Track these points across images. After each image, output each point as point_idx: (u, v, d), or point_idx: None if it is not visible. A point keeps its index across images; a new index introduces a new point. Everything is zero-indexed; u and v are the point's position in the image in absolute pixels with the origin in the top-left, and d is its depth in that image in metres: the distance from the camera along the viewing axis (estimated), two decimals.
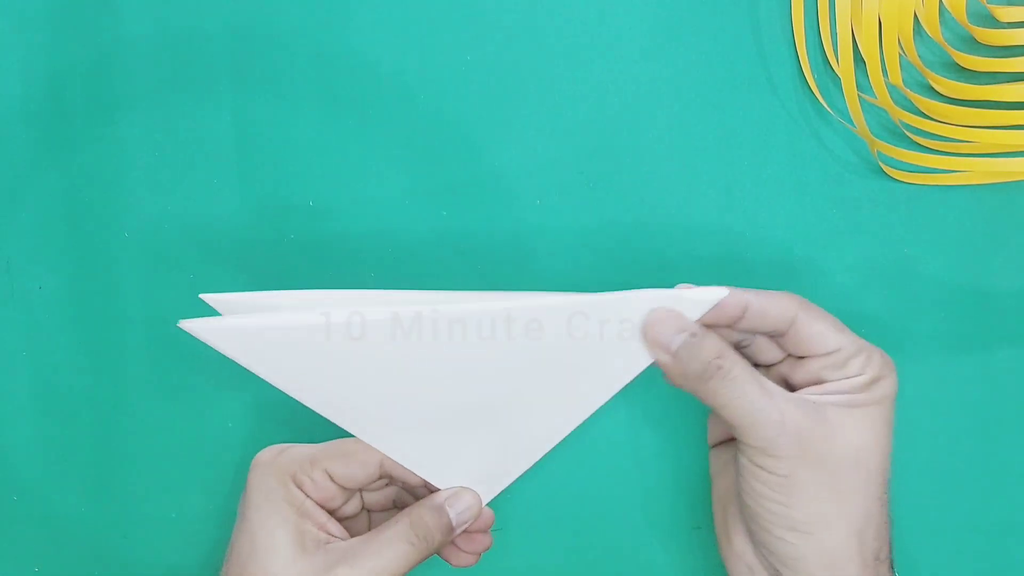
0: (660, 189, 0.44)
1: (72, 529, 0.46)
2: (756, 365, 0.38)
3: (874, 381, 0.36)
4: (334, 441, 0.39)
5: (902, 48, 0.43)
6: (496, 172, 0.45)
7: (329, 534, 0.38)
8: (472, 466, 0.38)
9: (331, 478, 0.38)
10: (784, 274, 0.44)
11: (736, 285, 0.44)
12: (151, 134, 0.45)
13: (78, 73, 0.45)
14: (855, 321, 0.44)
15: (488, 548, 0.41)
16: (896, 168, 0.44)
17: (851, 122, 0.43)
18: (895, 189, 0.44)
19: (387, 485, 0.41)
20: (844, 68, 0.42)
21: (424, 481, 0.39)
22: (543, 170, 0.44)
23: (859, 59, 0.43)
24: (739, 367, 0.35)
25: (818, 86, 0.44)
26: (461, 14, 0.44)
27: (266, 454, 0.38)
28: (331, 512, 0.39)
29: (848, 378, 0.36)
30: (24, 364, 0.46)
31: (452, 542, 0.39)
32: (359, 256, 0.45)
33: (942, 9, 0.43)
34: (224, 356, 0.44)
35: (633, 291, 0.35)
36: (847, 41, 0.42)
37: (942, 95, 0.43)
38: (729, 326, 0.37)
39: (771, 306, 0.36)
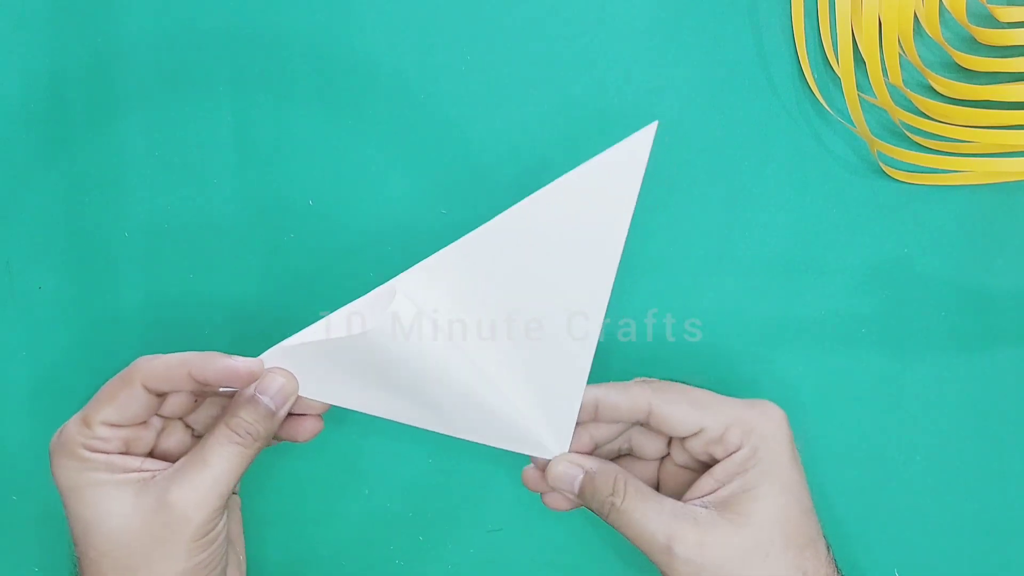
0: (660, 189, 0.44)
1: None
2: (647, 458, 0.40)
3: (754, 452, 0.37)
4: (99, 392, 0.37)
5: (902, 48, 0.43)
6: (496, 171, 0.45)
7: (153, 471, 0.37)
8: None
9: (113, 425, 0.37)
10: (784, 274, 0.44)
11: (736, 285, 0.44)
12: (151, 134, 0.45)
13: (78, 73, 0.45)
14: (855, 321, 0.44)
15: (320, 430, 0.40)
16: (896, 168, 0.44)
17: (851, 122, 0.43)
18: (895, 189, 0.44)
19: (195, 401, 0.39)
20: (844, 68, 0.42)
21: (194, 381, 0.37)
22: (543, 170, 0.44)
23: (859, 59, 0.43)
24: (630, 497, 0.37)
25: (818, 86, 0.44)
26: (461, 14, 0.44)
27: (53, 441, 0.37)
28: (145, 455, 0.38)
29: (730, 454, 0.37)
30: (24, 364, 0.46)
31: (284, 425, 0.39)
32: (359, 255, 0.45)
33: (942, 9, 0.43)
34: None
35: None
36: (847, 41, 0.42)
37: (942, 95, 0.43)
38: (589, 421, 0.39)
39: (622, 399, 0.38)
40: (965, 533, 0.44)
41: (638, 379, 0.39)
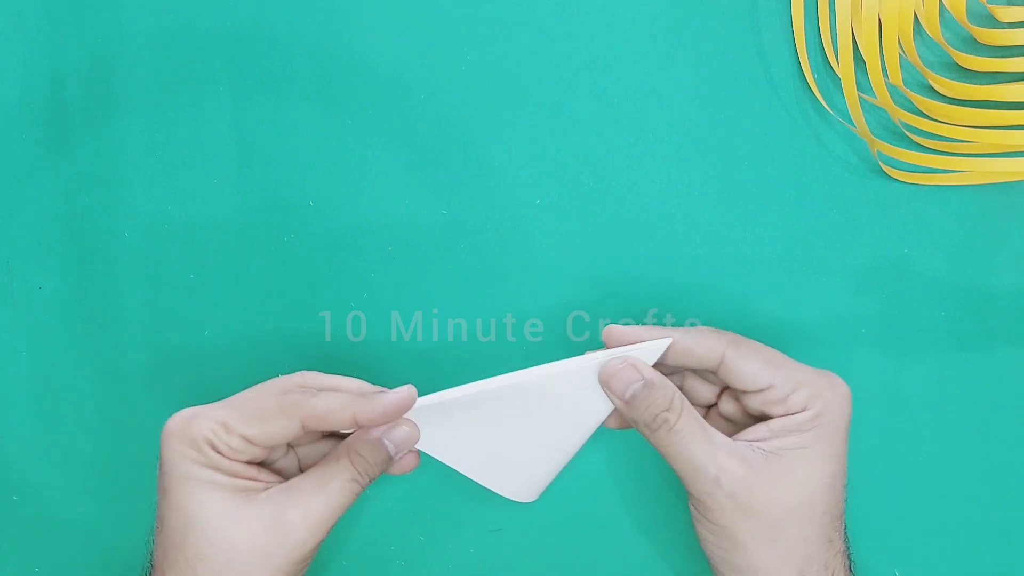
0: (660, 189, 0.44)
1: (72, 529, 0.46)
2: (696, 405, 0.40)
3: (818, 416, 0.37)
4: (243, 399, 0.37)
5: (902, 48, 0.43)
6: (496, 171, 0.45)
7: (264, 483, 0.37)
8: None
9: (250, 442, 0.36)
10: (784, 274, 0.44)
11: (735, 285, 0.44)
12: (151, 134, 0.45)
13: (78, 73, 0.45)
14: (855, 321, 0.44)
15: (416, 467, 0.40)
16: (896, 168, 0.44)
17: (851, 122, 0.43)
18: (895, 189, 0.44)
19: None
20: (844, 68, 0.42)
21: (356, 424, 0.37)
22: (543, 170, 0.44)
23: (859, 59, 0.43)
24: (685, 419, 0.37)
25: (818, 86, 0.44)
26: (461, 14, 0.44)
27: (175, 423, 0.36)
28: (258, 464, 0.38)
29: (791, 414, 0.37)
30: (24, 364, 0.46)
31: None
32: (359, 256, 0.45)
33: (942, 9, 0.43)
34: (222, 359, 0.45)
35: (589, 355, 0.39)
36: (847, 41, 0.42)
37: (942, 95, 0.43)
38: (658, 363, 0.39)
39: (697, 345, 0.38)
40: (965, 533, 0.44)
41: (708, 328, 0.39)
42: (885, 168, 0.44)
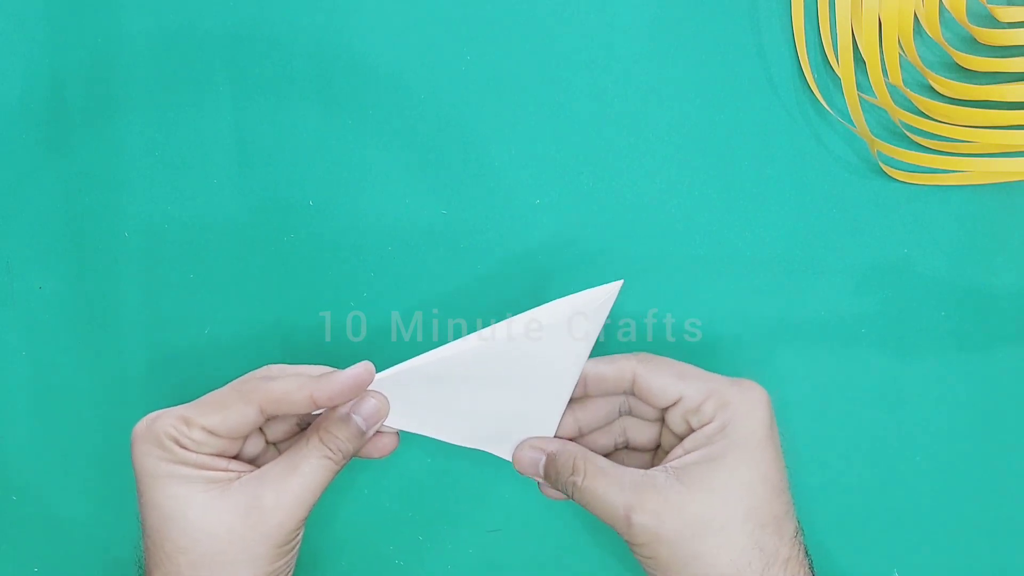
0: (660, 189, 0.44)
1: (72, 529, 0.46)
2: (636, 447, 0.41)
3: (726, 425, 0.37)
4: (206, 395, 0.38)
5: (902, 48, 0.43)
6: (496, 171, 0.45)
7: (237, 473, 0.37)
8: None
9: (212, 433, 0.37)
10: (784, 274, 0.44)
11: (736, 285, 0.44)
12: (150, 134, 0.45)
13: (78, 73, 0.45)
14: (855, 321, 0.44)
15: (395, 448, 0.40)
16: (896, 168, 0.44)
17: (851, 122, 0.43)
18: (895, 189, 0.44)
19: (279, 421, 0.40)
20: (844, 68, 0.42)
21: (315, 404, 0.37)
22: (543, 170, 0.44)
23: (859, 59, 0.43)
24: (590, 476, 0.37)
25: (818, 86, 0.44)
26: (461, 14, 0.44)
27: (140, 426, 0.37)
28: (231, 457, 0.38)
29: (703, 425, 0.37)
30: (24, 364, 0.46)
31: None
32: (359, 256, 0.45)
33: (942, 9, 0.43)
34: (222, 359, 0.45)
35: (548, 305, 0.39)
36: (847, 41, 0.42)
37: (942, 95, 0.43)
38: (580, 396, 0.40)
39: (607, 369, 0.39)
40: (965, 533, 0.44)
41: (618, 354, 0.39)
42: (885, 168, 0.44)
